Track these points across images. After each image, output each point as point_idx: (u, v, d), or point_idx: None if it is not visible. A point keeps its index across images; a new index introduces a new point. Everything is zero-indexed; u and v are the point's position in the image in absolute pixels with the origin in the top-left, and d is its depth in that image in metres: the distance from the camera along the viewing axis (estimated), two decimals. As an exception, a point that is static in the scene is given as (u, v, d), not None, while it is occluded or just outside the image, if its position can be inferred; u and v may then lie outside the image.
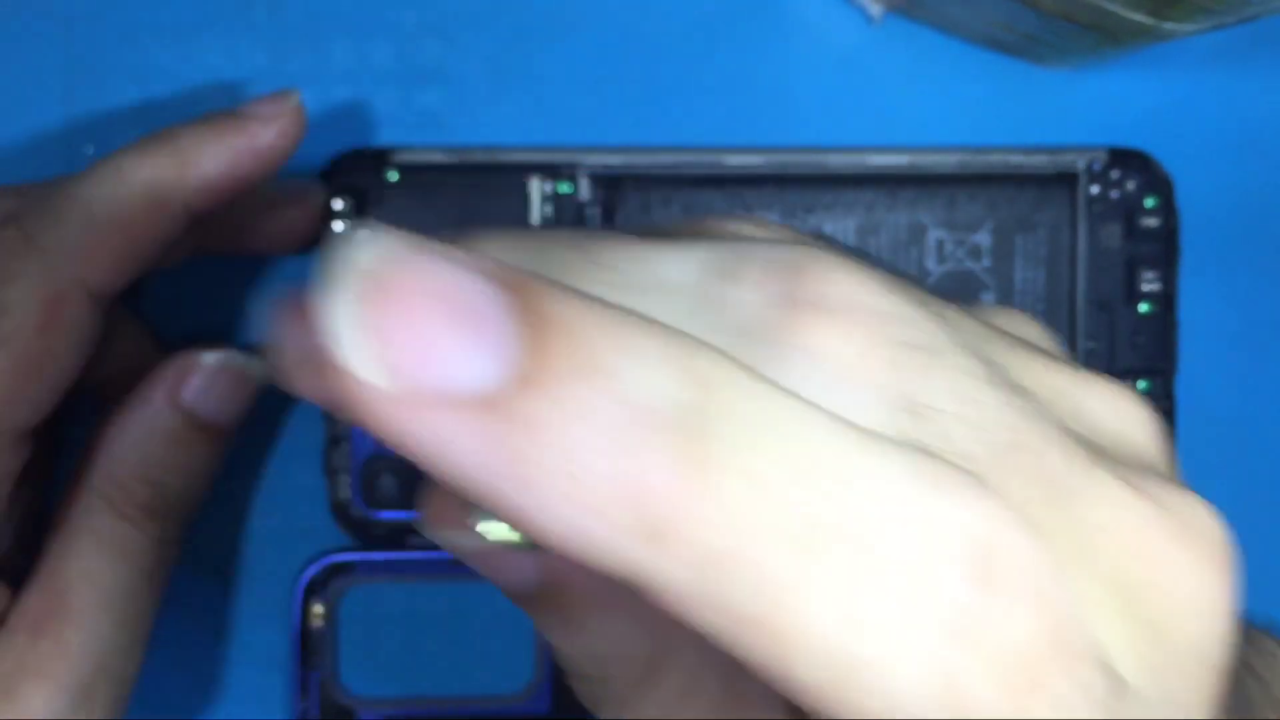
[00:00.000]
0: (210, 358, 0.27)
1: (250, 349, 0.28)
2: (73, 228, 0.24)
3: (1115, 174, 0.31)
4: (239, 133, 0.26)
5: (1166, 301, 0.31)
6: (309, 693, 0.31)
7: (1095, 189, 0.31)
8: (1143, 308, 0.31)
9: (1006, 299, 0.31)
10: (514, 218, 0.31)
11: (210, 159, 0.26)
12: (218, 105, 0.30)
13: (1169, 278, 0.31)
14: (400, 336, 0.11)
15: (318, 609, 0.31)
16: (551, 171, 0.31)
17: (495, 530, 0.16)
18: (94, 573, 0.26)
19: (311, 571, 0.31)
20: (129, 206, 0.25)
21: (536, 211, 0.31)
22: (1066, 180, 0.31)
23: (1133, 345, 0.31)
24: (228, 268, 0.31)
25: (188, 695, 0.32)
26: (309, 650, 0.31)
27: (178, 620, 0.32)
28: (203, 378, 0.27)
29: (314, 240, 0.30)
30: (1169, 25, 0.26)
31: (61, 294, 0.24)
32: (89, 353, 0.25)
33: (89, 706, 0.25)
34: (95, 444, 0.27)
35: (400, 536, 0.31)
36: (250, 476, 0.32)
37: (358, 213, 0.31)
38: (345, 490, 0.31)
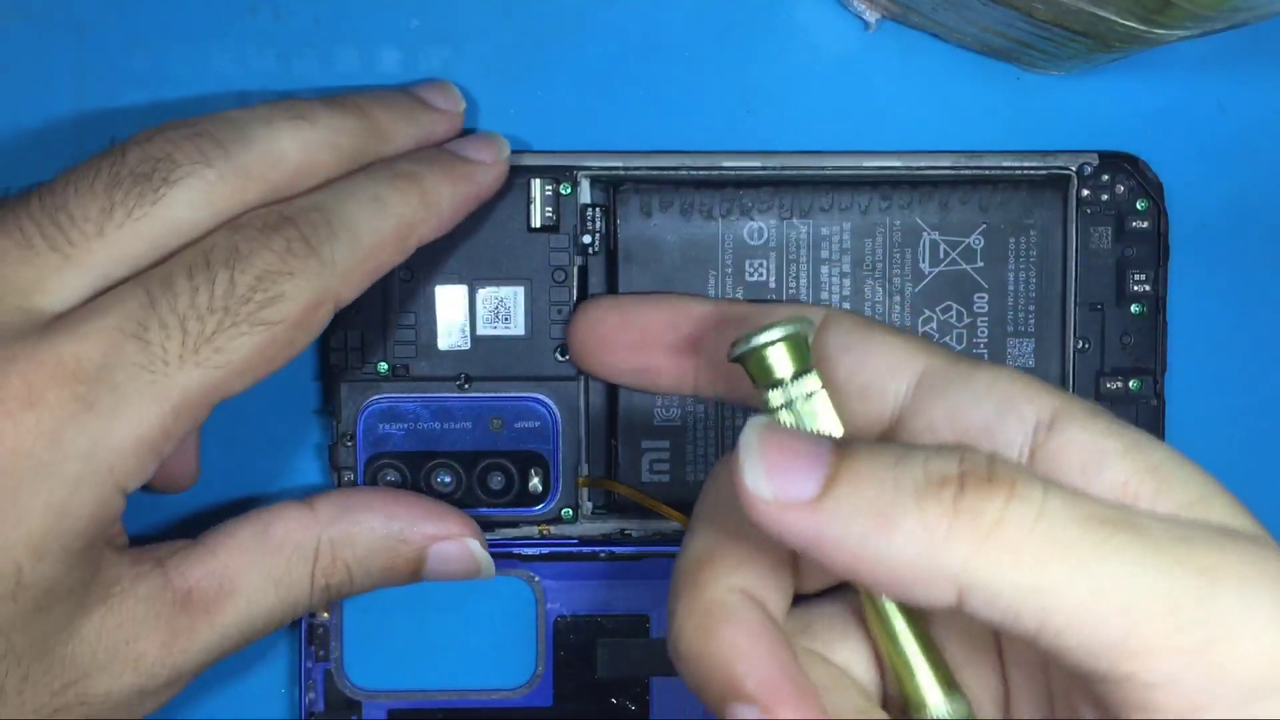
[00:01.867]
0: (476, 549, 0.30)
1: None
2: (343, 246, 0.26)
3: (1106, 177, 0.32)
4: (470, 182, 0.29)
5: (1156, 303, 0.32)
6: (314, 685, 0.32)
7: (1086, 192, 0.32)
8: (1133, 309, 0.32)
9: (999, 300, 0.32)
10: (516, 218, 0.31)
11: (448, 203, 0.29)
12: (224, 110, 0.31)
13: (1159, 279, 0.32)
14: (774, 471, 0.20)
15: (324, 603, 0.32)
16: (553, 174, 0.31)
17: None
18: (258, 601, 0.28)
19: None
20: (385, 237, 0.27)
21: (538, 213, 0.31)
22: (1058, 183, 0.32)
23: (1123, 346, 0.32)
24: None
25: (193, 688, 0.32)
26: (315, 643, 0.32)
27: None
28: (455, 554, 0.29)
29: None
30: (1159, 31, 0.26)
31: (321, 300, 0.26)
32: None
33: None
34: (348, 502, 0.29)
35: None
36: (258, 472, 0.32)
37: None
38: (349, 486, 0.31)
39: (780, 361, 0.23)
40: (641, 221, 0.31)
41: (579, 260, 0.32)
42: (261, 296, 0.25)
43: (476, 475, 0.31)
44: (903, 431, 0.24)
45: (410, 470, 0.31)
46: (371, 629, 0.32)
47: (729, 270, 0.31)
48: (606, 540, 0.32)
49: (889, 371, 0.24)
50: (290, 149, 0.27)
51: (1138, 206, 0.32)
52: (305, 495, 0.29)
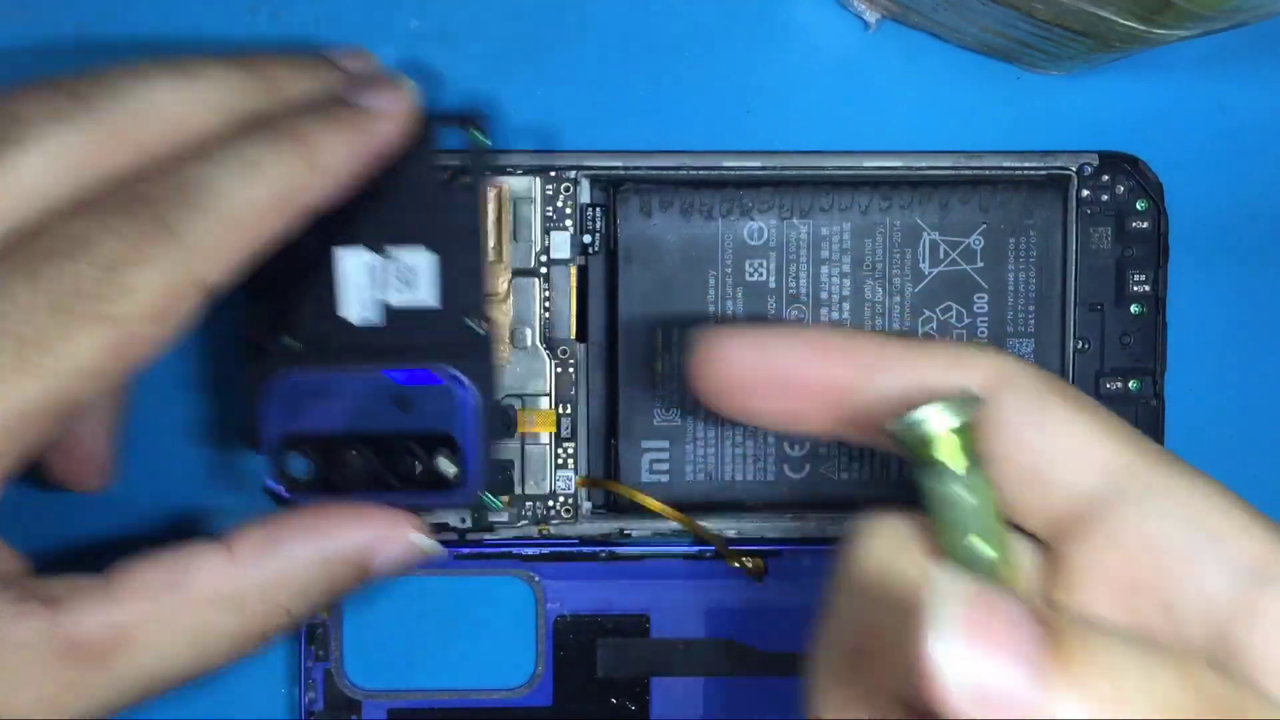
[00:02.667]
0: (419, 539, 0.27)
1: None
2: (210, 223, 0.23)
3: (1106, 177, 0.32)
4: (364, 133, 0.25)
5: (1156, 303, 0.32)
6: (314, 685, 0.32)
7: (1086, 192, 0.32)
8: (1133, 309, 0.32)
9: (999, 300, 0.32)
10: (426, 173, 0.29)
11: (337, 163, 0.25)
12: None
13: (1159, 280, 0.32)
14: (979, 652, 0.17)
15: (324, 603, 0.32)
16: (553, 174, 0.31)
17: None
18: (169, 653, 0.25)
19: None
20: (261, 208, 0.24)
21: (538, 213, 0.31)
22: (1058, 184, 0.32)
23: (1123, 346, 0.32)
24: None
25: (192, 688, 0.32)
26: (315, 643, 0.32)
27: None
28: (400, 550, 0.27)
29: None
30: (1159, 31, 0.26)
31: (182, 288, 0.23)
32: (176, 343, 0.24)
33: None
34: (274, 537, 0.26)
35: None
36: (251, 473, 0.32)
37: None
38: None
39: (946, 451, 0.21)
40: (641, 221, 0.31)
41: (579, 260, 0.32)
42: (107, 290, 0.22)
43: (386, 459, 0.28)
44: (1076, 541, 0.21)
45: (318, 454, 0.28)
46: (371, 629, 0.32)
47: (729, 270, 0.31)
48: (606, 540, 0.32)
49: (1071, 461, 0.21)
50: (167, 106, 0.24)
51: (1138, 206, 0.32)
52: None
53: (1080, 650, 0.17)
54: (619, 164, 0.31)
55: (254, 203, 0.24)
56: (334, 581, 0.26)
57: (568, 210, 0.31)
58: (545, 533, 0.32)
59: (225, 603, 0.25)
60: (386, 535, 0.27)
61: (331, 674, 0.32)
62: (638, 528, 0.32)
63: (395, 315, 0.28)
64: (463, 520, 0.32)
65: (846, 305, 0.32)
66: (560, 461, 0.32)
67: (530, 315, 0.32)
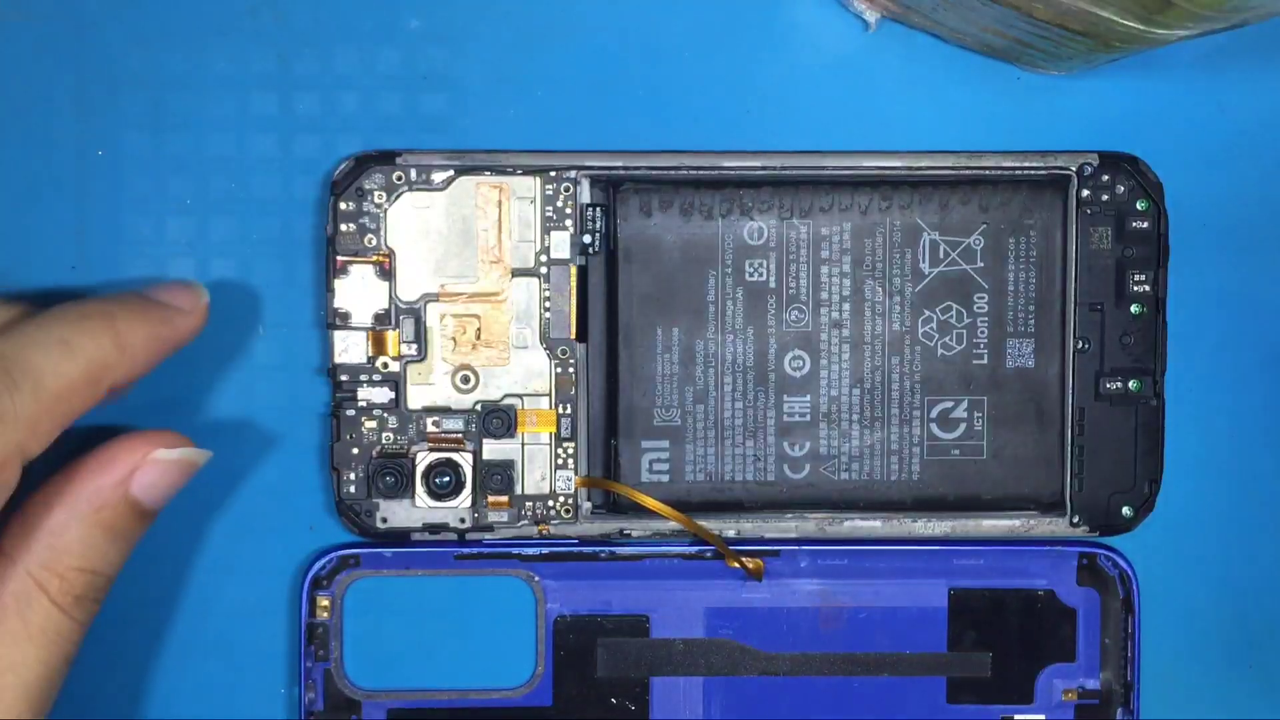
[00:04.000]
0: (165, 454, 0.28)
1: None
2: (26, 398, 0.25)
3: (1106, 177, 0.32)
4: (167, 325, 0.28)
5: (1156, 303, 0.32)
6: (314, 685, 0.32)
7: (1086, 192, 0.32)
8: (1133, 309, 0.32)
9: (999, 300, 0.32)
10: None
11: (142, 346, 0.28)
12: (225, 111, 0.31)
13: (1159, 279, 0.32)
14: None
15: (324, 602, 0.32)
16: (553, 174, 0.31)
17: None
18: (20, 664, 0.26)
19: (318, 565, 0.32)
20: (74, 383, 0.26)
21: (538, 213, 0.31)
22: (1058, 184, 0.32)
23: (1123, 346, 0.32)
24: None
25: (192, 688, 0.32)
26: (315, 643, 0.32)
27: (182, 613, 0.32)
28: (156, 472, 0.28)
29: None
30: (1159, 31, 0.26)
31: (5, 457, 0.25)
32: None
33: None
34: (31, 524, 0.27)
35: (404, 532, 0.32)
36: (252, 473, 0.32)
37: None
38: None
39: None
40: (641, 221, 0.31)
41: (579, 260, 0.32)
42: None
43: None
44: None
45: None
46: (371, 629, 0.32)
47: (729, 270, 0.31)
48: (606, 540, 0.32)
49: None
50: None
51: (1138, 206, 0.32)
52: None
53: None
54: (619, 164, 0.31)
55: (67, 376, 0.26)
56: (111, 527, 0.27)
57: (568, 210, 0.31)
58: (545, 533, 0.32)
59: (22, 599, 0.27)
60: (135, 465, 0.28)
61: (331, 674, 0.32)
62: (637, 528, 0.32)
63: None
64: (462, 520, 0.32)
65: (846, 305, 0.32)
66: (560, 461, 0.32)
67: (530, 315, 0.32)
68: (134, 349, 0.27)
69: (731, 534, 0.32)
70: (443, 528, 0.32)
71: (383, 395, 0.32)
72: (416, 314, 0.32)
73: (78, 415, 0.27)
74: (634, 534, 0.32)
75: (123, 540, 0.28)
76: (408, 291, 0.31)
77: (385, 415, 0.32)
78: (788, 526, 0.32)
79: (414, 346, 0.32)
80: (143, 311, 0.28)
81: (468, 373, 0.32)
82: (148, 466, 0.28)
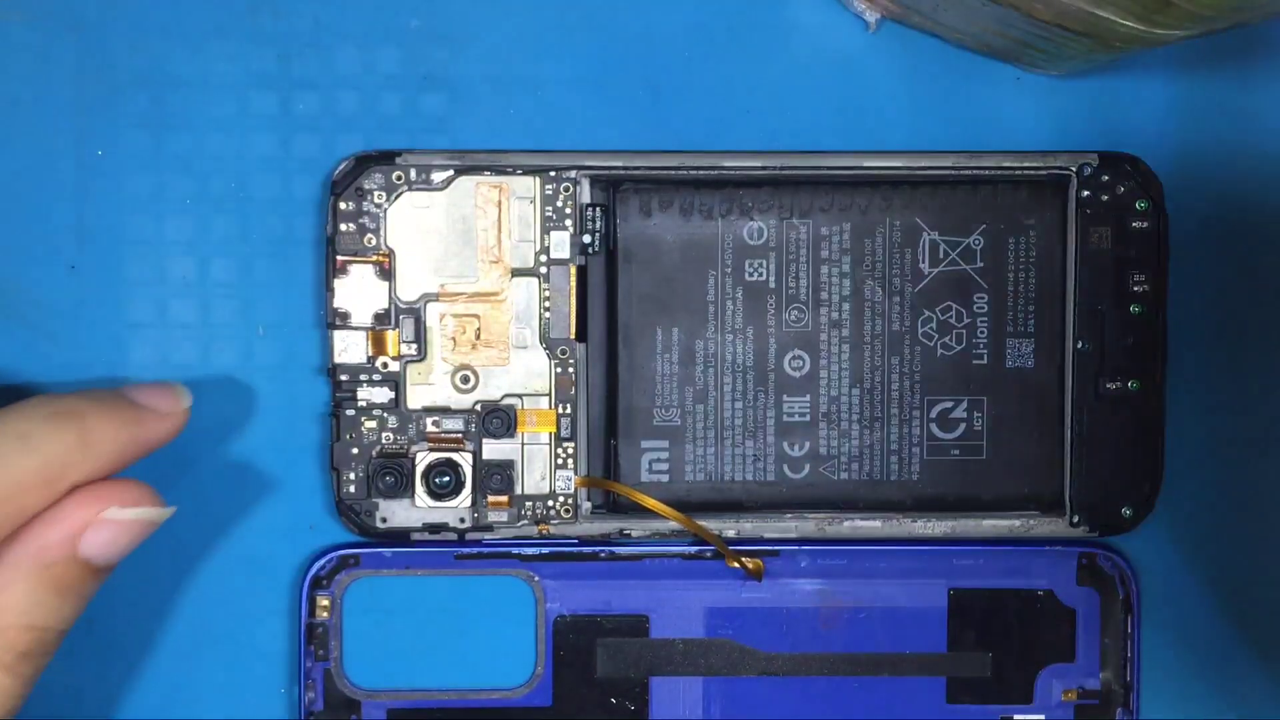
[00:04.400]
0: (117, 513, 0.26)
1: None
2: None
3: (1106, 177, 0.32)
4: (139, 426, 0.27)
5: (1156, 303, 0.32)
6: (314, 685, 0.32)
7: (1086, 192, 0.32)
8: (1133, 309, 0.32)
9: (999, 300, 0.32)
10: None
11: (110, 446, 0.26)
12: (225, 110, 0.31)
13: (1159, 280, 0.32)
14: None
15: (324, 601, 0.32)
16: (553, 174, 0.31)
17: None
18: None
19: (318, 565, 0.32)
20: (28, 481, 0.25)
21: (538, 213, 0.31)
22: (1058, 184, 0.32)
23: (1123, 346, 0.32)
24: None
25: (192, 688, 0.32)
26: (314, 643, 0.32)
27: (182, 613, 0.32)
28: (108, 532, 0.26)
29: None
30: (1160, 31, 0.26)
31: None
32: None
33: None
34: None
35: (404, 531, 0.32)
36: (252, 473, 0.32)
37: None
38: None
39: None
40: (641, 221, 0.31)
41: (579, 260, 0.32)
42: None
43: None
44: None
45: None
46: (371, 629, 0.32)
47: (729, 270, 0.31)
48: (606, 540, 0.32)
49: None
50: None
51: (1138, 206, 0.32)
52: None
53: None
54: (619, 164, 0.31)
55: (21, 471, 0.25)
56: (62, 587, 0.26)
57: (568, 210, 0.32)
58: (545, 533, 0.32)
59: None
60: (86, 520, 0.26)
61: (331, 674, 0.32)
62: (637, 528, 0.32)
63: None
64: (462, 520, 0.32)
65: (846, 305, 0.32)
66: (560, 461, 0.32)
67: (530, 315, 0.32)
68: (101, 449, 0.26)
69: (731, 534, 0.32)
70: (443, 528, 0.32)
71: (383, 395, 0.32)
72: (416, 314, 0.32)
73: (32, 513, 0.26)
74: (634, 534, 0.32)
75: (74, 596, 0.27)
76: (407, 291, 0.31)
77: (385, 415, 0.32)
78: (787, 526, 0.32)
79: (414, 346, 0.32)
80: (116, 411, 0.27)
81: (467, 373, 0.32)
82: (99, 525, 0.26)
